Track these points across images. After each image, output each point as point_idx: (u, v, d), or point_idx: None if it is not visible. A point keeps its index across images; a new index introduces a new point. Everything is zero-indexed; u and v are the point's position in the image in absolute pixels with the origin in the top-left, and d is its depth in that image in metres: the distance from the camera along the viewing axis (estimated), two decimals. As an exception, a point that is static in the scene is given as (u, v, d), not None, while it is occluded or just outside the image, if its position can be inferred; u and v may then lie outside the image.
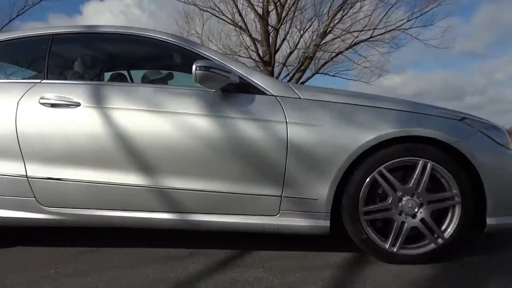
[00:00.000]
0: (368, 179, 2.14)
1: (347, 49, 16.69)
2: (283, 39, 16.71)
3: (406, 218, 2.17)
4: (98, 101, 2.30)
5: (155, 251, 2.46)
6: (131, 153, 2.24)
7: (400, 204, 2.16)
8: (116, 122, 2.26)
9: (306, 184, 2.16)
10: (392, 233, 2.17)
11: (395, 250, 2.17)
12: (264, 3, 16.17)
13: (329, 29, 16.39)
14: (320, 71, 17.38)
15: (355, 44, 16.53)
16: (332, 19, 16.23)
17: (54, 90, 2.36)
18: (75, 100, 2.31)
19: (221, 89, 2.26)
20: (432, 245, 2.17)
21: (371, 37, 16.26)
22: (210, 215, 2.25)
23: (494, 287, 1.89)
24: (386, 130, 2.12)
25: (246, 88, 2.29)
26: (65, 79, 2.59)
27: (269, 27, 16.40)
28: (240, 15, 16.35)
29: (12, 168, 2.33)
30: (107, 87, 2.42)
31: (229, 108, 2.23)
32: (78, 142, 2.27)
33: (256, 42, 16.53)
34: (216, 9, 16.44)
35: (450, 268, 2.12)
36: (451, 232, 2.17)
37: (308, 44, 16.88)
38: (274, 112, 2.20)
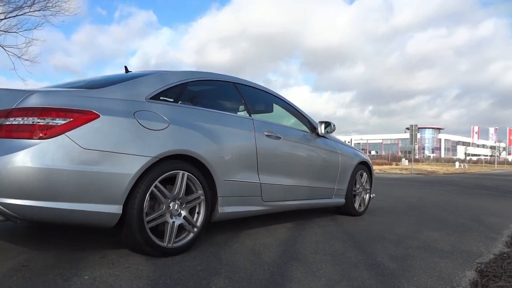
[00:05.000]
0: (355, 174, 4.92)
1: None
2: None
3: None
4: (288, 136, 3.85)
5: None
6: (300, 167, 4.00)
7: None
8: (295, 149, 3.94)
9: (342, 182, 4.70)
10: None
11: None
12: None
13: None
14: None
15: None
16: None
17: (266, 126, 3.63)
18: (278, 135, 3.72)
19: (316, 133, 4.37)
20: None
21: None
22: (307, 200, 4.25)
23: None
24: (360, 158, 4.98)
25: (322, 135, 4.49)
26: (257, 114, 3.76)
27: None
28: None
29: (251, 177, 3.39)
30: (288, 128, 4.01)
31: (319, 143, 4.40)
32: (282, 161, 3.75)
33: None
34: None
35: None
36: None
37: None
38: (334, 147, 4.59)
